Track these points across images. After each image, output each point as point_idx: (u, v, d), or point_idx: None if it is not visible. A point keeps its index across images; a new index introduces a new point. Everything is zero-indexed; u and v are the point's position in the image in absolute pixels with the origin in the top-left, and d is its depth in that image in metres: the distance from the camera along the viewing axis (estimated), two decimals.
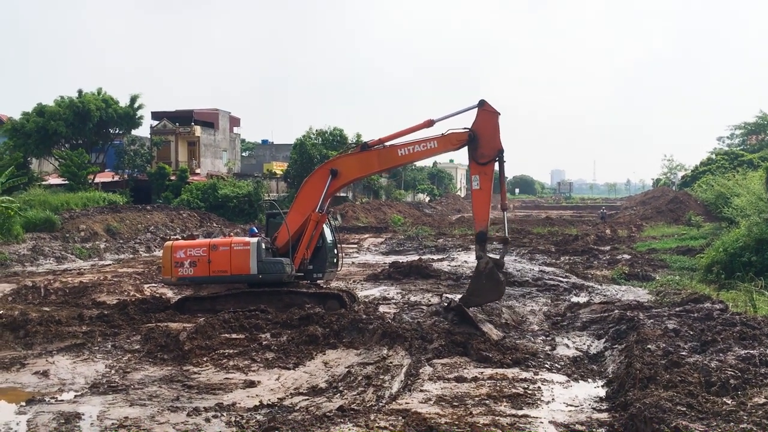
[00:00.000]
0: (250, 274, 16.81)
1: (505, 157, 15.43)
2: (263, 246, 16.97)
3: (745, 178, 35.40)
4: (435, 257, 29.81)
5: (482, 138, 15.35)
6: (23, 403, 9.97)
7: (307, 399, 10.06)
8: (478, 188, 15.40)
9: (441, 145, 16.16)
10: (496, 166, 15.53)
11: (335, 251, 18.45)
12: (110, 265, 28.52)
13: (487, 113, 15.42)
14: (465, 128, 15.57)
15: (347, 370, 11.54)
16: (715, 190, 43.30)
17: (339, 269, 19.18)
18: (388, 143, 16.67)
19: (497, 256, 15.41)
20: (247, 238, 17.49)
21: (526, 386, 10.75)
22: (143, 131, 55.89)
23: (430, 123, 15.94)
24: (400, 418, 9.04)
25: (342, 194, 58.59)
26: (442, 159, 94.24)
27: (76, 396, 10.38)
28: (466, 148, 15.56)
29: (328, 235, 18.00)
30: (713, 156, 68.76)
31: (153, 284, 21.99)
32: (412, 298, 19.18)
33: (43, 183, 43.28)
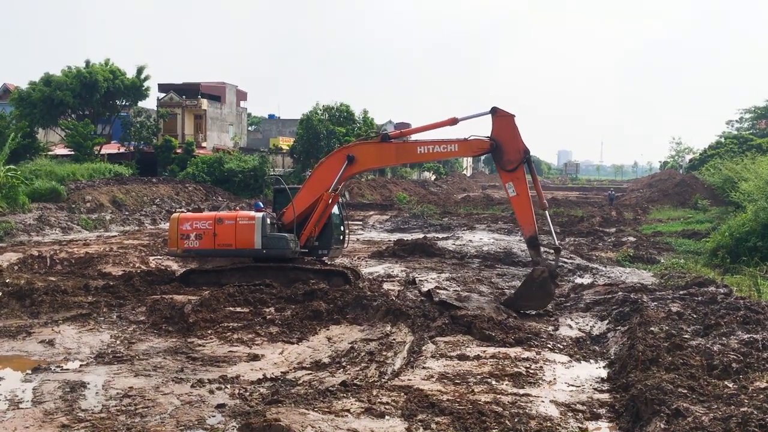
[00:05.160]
0: (254, 249, 16.85)
1: None
2: (268, 221, 16.98)
3: (754, 162, 35.21)
4: (440, 236, 29.83)
5: (505, 144, 15.18)
6: (29, 371, 10.07)
7: (310, 373, 10.13)
8: (515, 195, 15.16)
9: (461, 150, 16.03)
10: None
11: (342, 228, 18.43)
12: (116, 236, 28.64)
13: (501, 118, 15.21)
14: (487, 137, 15.37)
15: (350, 345, 11.60)
16: (723, 174, 43.09)
17: (345, 246, 19.18)
18: (409, 138, 16.48)
19: (552, 262, 15.29)
20: (252, 213, 17.47)
21: (528, 365, 10.78)
22: (150, 103, 55.86)
23: (454, 121, 15.70)
24: (402, 394, 9.08)
25: None
26: None
27: (81, 365, 10.47)
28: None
29: (336, 213, 17.96)
30: (722, 140, 68.23)
31: (158, 256, 22.08)
32: (417, 276, 19.19)
33: (49, 153, 43.31)
